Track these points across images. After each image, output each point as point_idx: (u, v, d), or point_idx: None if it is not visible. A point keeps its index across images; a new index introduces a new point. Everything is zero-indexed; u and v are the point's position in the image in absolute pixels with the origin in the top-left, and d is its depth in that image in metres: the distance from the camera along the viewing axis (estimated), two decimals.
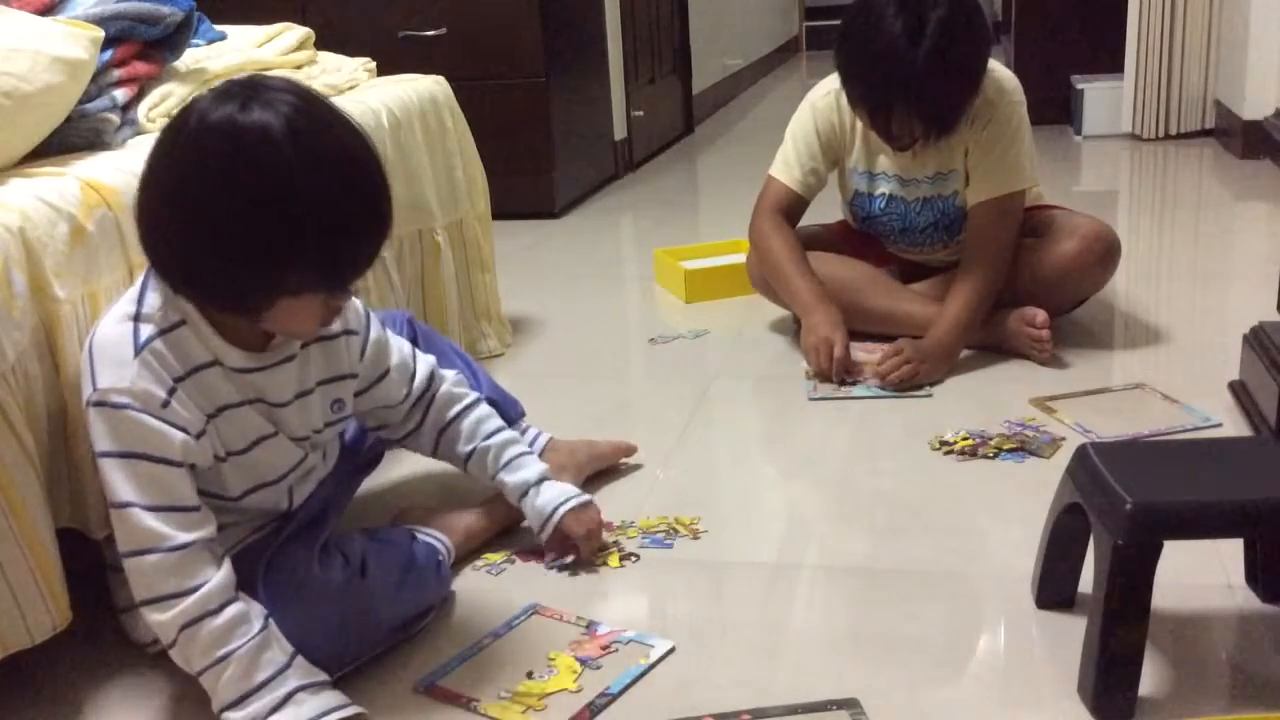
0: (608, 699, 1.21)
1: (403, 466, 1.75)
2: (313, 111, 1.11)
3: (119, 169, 1.41)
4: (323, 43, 2.22)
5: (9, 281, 1.20)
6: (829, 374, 2.01)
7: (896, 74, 1.86)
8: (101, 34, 1.52)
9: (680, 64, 4.86)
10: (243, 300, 1.16)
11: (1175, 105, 4.00)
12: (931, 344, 2.02)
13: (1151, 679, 1.18)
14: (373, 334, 1.39)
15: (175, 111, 1.19)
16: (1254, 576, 1.33)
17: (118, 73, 1.60)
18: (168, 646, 1.16)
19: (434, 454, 1.51)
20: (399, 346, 1.45)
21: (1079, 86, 4.25)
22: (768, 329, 2.37)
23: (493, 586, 1.46)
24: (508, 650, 1.31)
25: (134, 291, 1.20)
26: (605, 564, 1.48)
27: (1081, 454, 1.22)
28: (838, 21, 2.03)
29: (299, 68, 2.07)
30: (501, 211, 2.48)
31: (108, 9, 1.59)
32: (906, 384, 1.98)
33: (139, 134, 1.60)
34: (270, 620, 1.18)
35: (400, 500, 1.66)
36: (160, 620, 1.15)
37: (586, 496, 1.51)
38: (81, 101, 1.50)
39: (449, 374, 1.51)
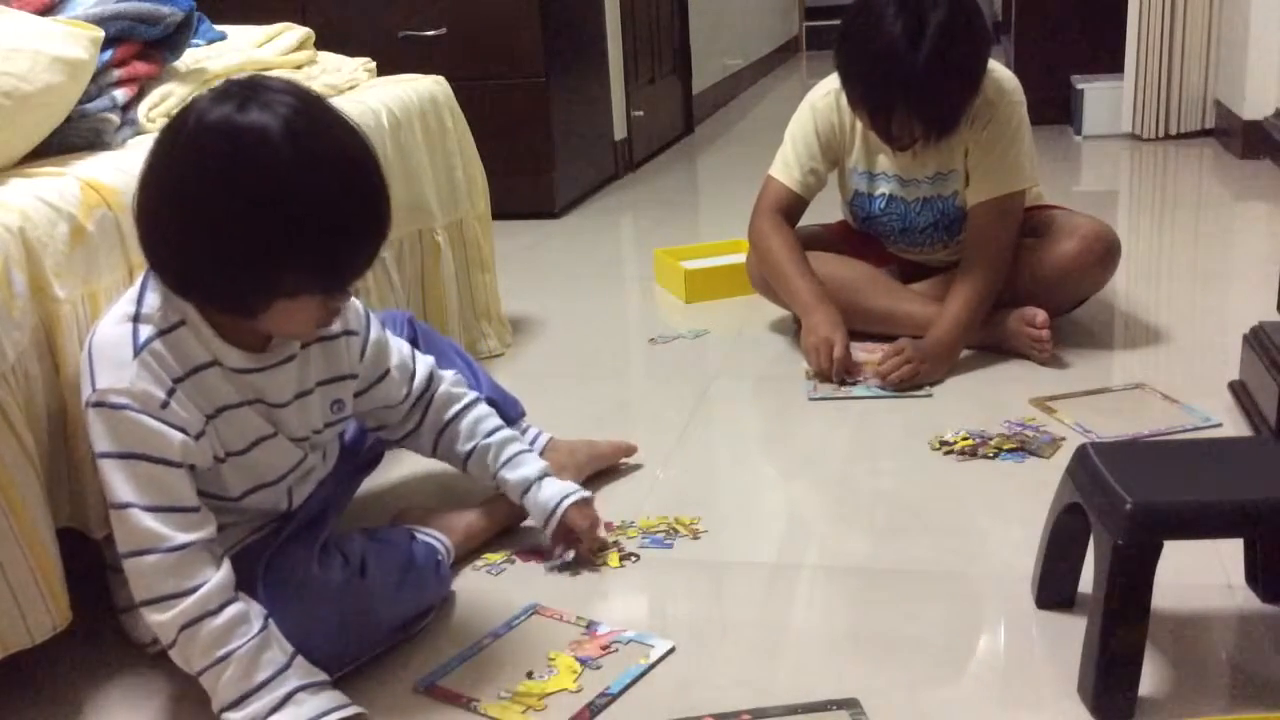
0: (608, 699, 1.21)
1: (402, 467, 1.75)
2: (311, 113, 1.11)
3: (119, 169, 1.41)
4: (323, 43, 2.22)
5: (9, 281, 1.20)
6: (829, 374, 2.01)
7: (896, 75, 1.86)
8: (101, 34, 1.52)
9: (680, 64, 4.86)
10: (240, 301, 1.16)
11: (1175, 105, 4.00)
12: (932, 344, 2.02)
13: (1151, 679, 1.18)
14: (373, 334, 1.39)
15: (175, 111, 1.18)
16: (1254, 576, 1.33)
17: (118, 73, 1.60)
18: (167, 647, 1.16)
19: (433, 454, 1.51)
20: (399, 347, 1.45)
21: (1079, 86, 4.25)
22: (768, 329, 2.37)
23: (493, 586, 1.46)
24: (508, 650, 1.31)
25: (133, 292, 1.20)
26: (605, 564, 1.48)
27: (1081, 454, 1.22)
28: (838, 21, 2.03)
29: (299, 68, 2.07)
30: (501, 211, 2.48)
31: (108, 9, 1.59)
32: (907, 384, 1.98)
33: (139, 134, 1.60)
34: (270, 620, 1.18)
35: (400, 500, 1.66)
36: (160, 621, 1.15)
37: (587, 493, 1.51)
38: (81, 101, 1.50)
39: (448, 374, 1.51)
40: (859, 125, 2.10)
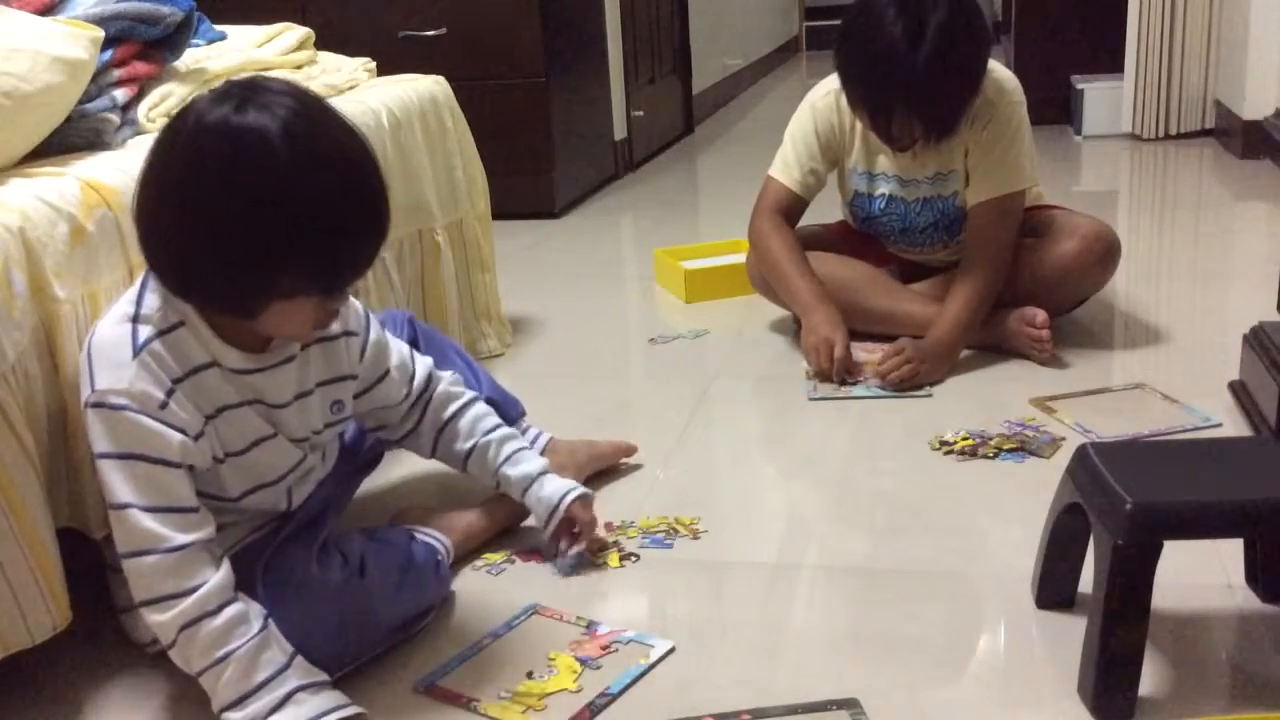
0: (608, 699, 1.21)
1: (402, 467, 1.74)
2: (310, 114, 1.11)
3: (119, 169, 1.41)
4: (323, 43, 2.22)
5: (9, 281, 1.20)
6: (830, 374, 2.01)
7: (896, 76, 1.86)
8: (101, 34, 1.52)
9: (680, 64, 4.86)
10: (239, 302, 1.16)
11: (1175, 105, 4.00)
12: (932, 344, 2.02)
13: (1151, 679, 1.18)
14: (372, 335, 1.39)
15: (175, 111, 1.18)
16: (1254, 576, 1.33)
17: (118, 73, 1.60)
18: (167, 647, 1.16)
19: (432, 454, 1.51)
20: (398, 348, 1.45)
21: (1079, 86, 4.25)
22: (768, 329, 2.37)
23: (493, 586, 1.46)
24: (508, 650, 1.31)
25: (133, 292, 1.20)
26: (605, 564, 1.48)
27: (1081, 454, 1.22)
28: (838, 21, 2.03)
29: (299, 68, 2.07)
30: (501, 211, 2.48)
31: (108, 9, 1.59)
32: (907, 384, 1.98)
33: (139, 134, 1.60)
34: (270, 620, 1.18)
35: (400, 500, 1.66)
36: (159, 621, 1.15)
37: (588, 490, 1.51)
38: (81, 101, 1.50)
39: (446, 374, 1.51)
40: (859, 125, 2.10)
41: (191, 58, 1.82)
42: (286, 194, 1.08)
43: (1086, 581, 1.24)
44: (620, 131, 4.07)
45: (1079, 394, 1.91)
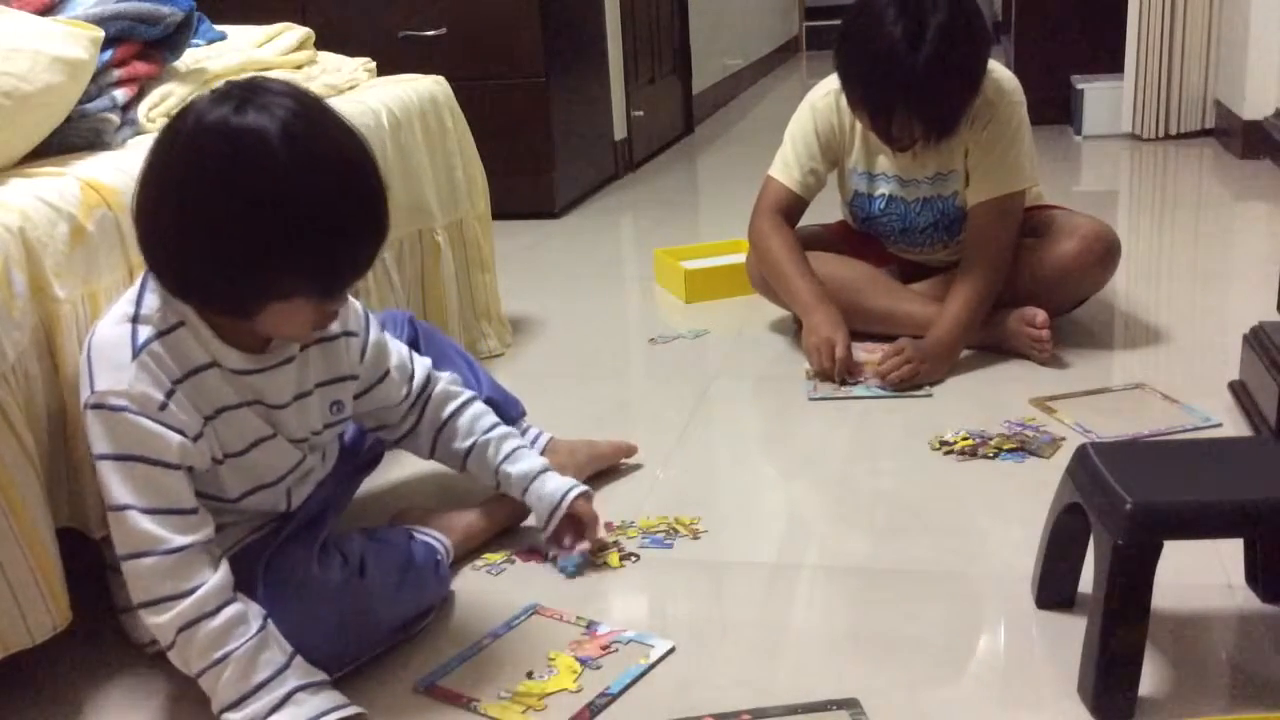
0: (608, 699, 1.21)
1: (402, 467, 1.74)
2: (310, 115, 1.11)
3: (119, 169, 1.41)
4: (323, 43, 2.22)
5: (9, 281, 1.20)
6: (831, 374, 2.01)
7: (897, 76, 1.86)
8: (101, 34, 1.52)
9: (680, 64, 4.86)
10: (237, 303, 1.16)
11: (1175, 105, 4.00)
12: (932, 344, 2.02)
13: (1151, 679, 1.18)
14: (372, 336, 1.39)
15: (175, 111, 1.18)
16: (1254, 576, 1.33)
17: (118, 73, 1.60)
18: (166, 649, 1.16)
19: (431, 454, 1.51)
20: (398, 349, 1.45)
21: (1079, 86, 4.25)
22: (768, 329, 2.37)
23: (493, 586, 1.46)
24: (508, 650, 1.31)
25: (132, 293, 1.20)
26: (605, 564, 1.48)
27: (1081, 454, 1.22)
28: (838, 21, 2.03)
29: (299, 68, 2.07)
30: (501, 211, 2.48)
31: (108, 9, 1.59)
32: (907, 384, 1.98)
33: (139, 134, 1.60)
34: (269, 621, 1.18)
35: (399, 501, 1.66)
36: (158, 623, 1.15)
37: (588, 488, 1.51)
38: (81, 101, 1.50)
39: (445, 374, 1.52)
40: (859, 126, 2.10)
41: (191, 58, 1.82)
42: (285, 195, 1.08)
43: (1086, 581, 1.24)
44: (620, 131, 4.07)
45: (1079, 394, 1.91)
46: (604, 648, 1.30)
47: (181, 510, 1.16)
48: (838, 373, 2.00)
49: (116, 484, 1.14)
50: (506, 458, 1.49)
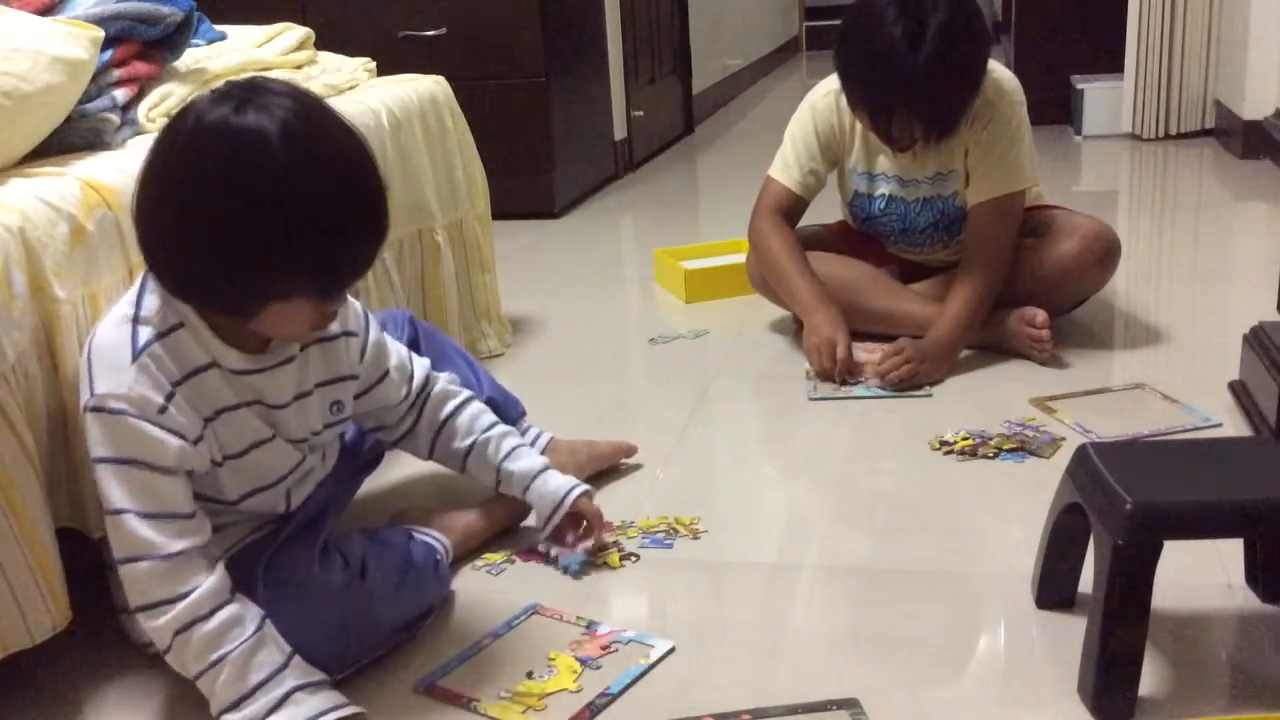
0: (608, 699, 1.21)
1: (402, 468, 1.74)
2: (309, 115, 1.11)
3: (119, 169, 1.41)
4: (323, 43, 2.22)
5: (9, 281, 1.20)
6: (832, 374, 2.01)
7: (897, 76, 1.86)
8: (101, 34, 1.52)
9: (680, 64, 4.86)
10: (237, 302, 1.15)
11: (1175, 105, 4.00)
12: (932, 344, 2.02)
13: (1151, 679, 1.18)
14: (372, 335, 1.39)
15: (175, 111, 1.18)
16: (1254, 576, 1.33)
17: (118, 73, 1.60)
18: (164, 652, 1.16)
19: (430, 455, 1.51)
20: (397, 349, 1.45)
21: (1079, 86, 4.25)
22: (768, 329, 2.37)
23: (493, 586, 1.46)
24: (508, 650, 1.31)
25: (132, 294, 1.20)
26: (605, 564, 1.48)
27: (1081, 454, 1.22)
28: (838, 21, 2.03)
29: (299, 68, 2.07)
30: (501, 211, 2.48)
31: (108, 9, 1.59)
32: (906, 384, 1.98)
33: (139, 134, 1.60)
34: (267, 622, 1.18)
35: (399, 501, 1.66)
36: (154, 626, 1.15)
37: (590, 487, 1.52)
38: (81, 101, 1.50)
39: (444, 374, 1.52)
40: (859, 126, 2.10)
41: (191, 58, 1.82)
42: (285, 195, 1.08)
43: (1086, 581, 1.24)
44: (620, 131, 4.07)
45: (1079, 394, 1.91)
46: (604, 648, 1.30)
47: (178, 515, 1.16)
48: (838, 373, 2.00)
49: (114, 488, 1.14)
50: (507, 456, 1.48)
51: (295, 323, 1.19)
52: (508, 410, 1.65)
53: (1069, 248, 2.07)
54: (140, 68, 1.64)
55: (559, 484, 1.48)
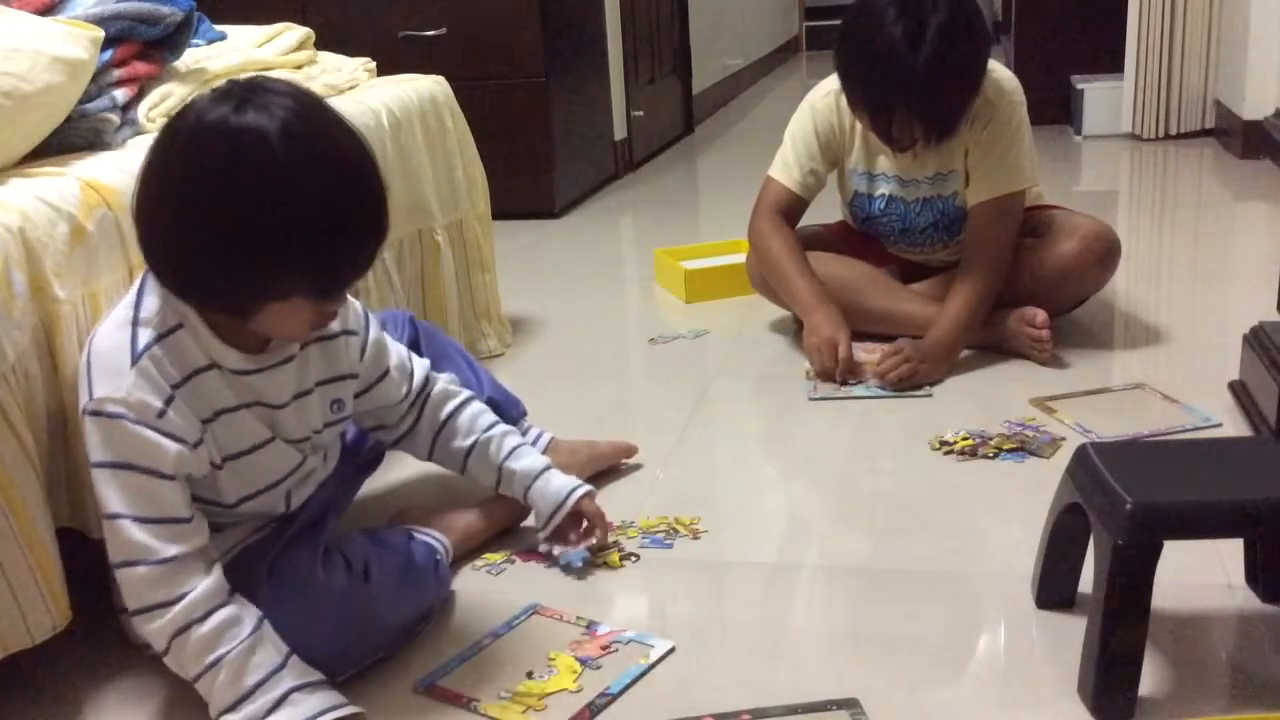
0: (608, 699, 1.21)
1: (402, 468, 1.74)
2: (309, 115, 1.11)
3: (119, 169, 1.41)
4: (323, 43, 2.22)
5: (9, 281, 1.20)
6: (834, 373, 2.01)
7: (897, 77, 1.86)
8: (101, 34, 1.52)
9: (680, 64, 4.86)
10: (236, 302, 1.15)
11: (1175, 105, 4.00)
12: (931, 344, 2.02)
13: (1151, 679, 1.18)
14: (372, 334, 1.39)
15: (175, 111, 1.18)
16: (1254, 576, 1.33)
17: (118, 73, 1.60)
18: (162, 655, 1.17)
19: (430, 455, 1.51)
20: (397, 348, 1.45)
21: (1079, 86, 4.25)
22: (768, 329, 2.37)
23: (493, 586, 1.46)
24: (508, 650, 1.31)
25: (131, 295, 1.19)
26: (605, 564, 1.48)
27: (1081, 454, 1.22)
28: (838, 21, 2.03)
29: (299, 68, 2.07)
30: (501, 211, 2.48)
31: (108, 9, 1.59)
32: (906, 383, 1.98)
33: (139, 134, 1.60)
34: (265, 622, 1.18)
35: (400, 501, 1.66)
36: (151, 629, 1.15)
37: (592, 487, 1.52)
38: (81, 101, 1.50)
39: (444, 375, 1.52)
40: (859, 126, 2.10)
41: (191, 58, 1.82)
42: (285, 194, 1.08)
43: (1086, 581, 1.24)
44: (620, 131, 4.07)
45: (1079, 394, 1.91)
46: (604, 648, 1.30)
47: (175, 519, 1.16)
48: (840, 372, 2.00)
49: (110, 492, 1.14)
50: (509, 455, 1.48)
51: (295, 322, 1.19)
52: (508, 410, 1.65)
53: (1069, 248, 2.07)
54: (140, 68, 1.64)
55: (561, 484, 1.48)
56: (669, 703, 1.20)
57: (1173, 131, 4.02)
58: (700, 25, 5.05)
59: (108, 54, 1.57)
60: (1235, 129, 3.68)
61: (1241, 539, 1.33)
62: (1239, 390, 1.82)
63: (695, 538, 1.55)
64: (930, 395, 1.97)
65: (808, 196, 2.19)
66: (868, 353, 2.08)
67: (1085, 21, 4.38)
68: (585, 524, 1.49)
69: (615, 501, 1.64)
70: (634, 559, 1.50)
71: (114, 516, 1.14)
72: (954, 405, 1.92)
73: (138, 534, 1.14)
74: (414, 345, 1.55)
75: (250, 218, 1.08)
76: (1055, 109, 4.36)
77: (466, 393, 1.52)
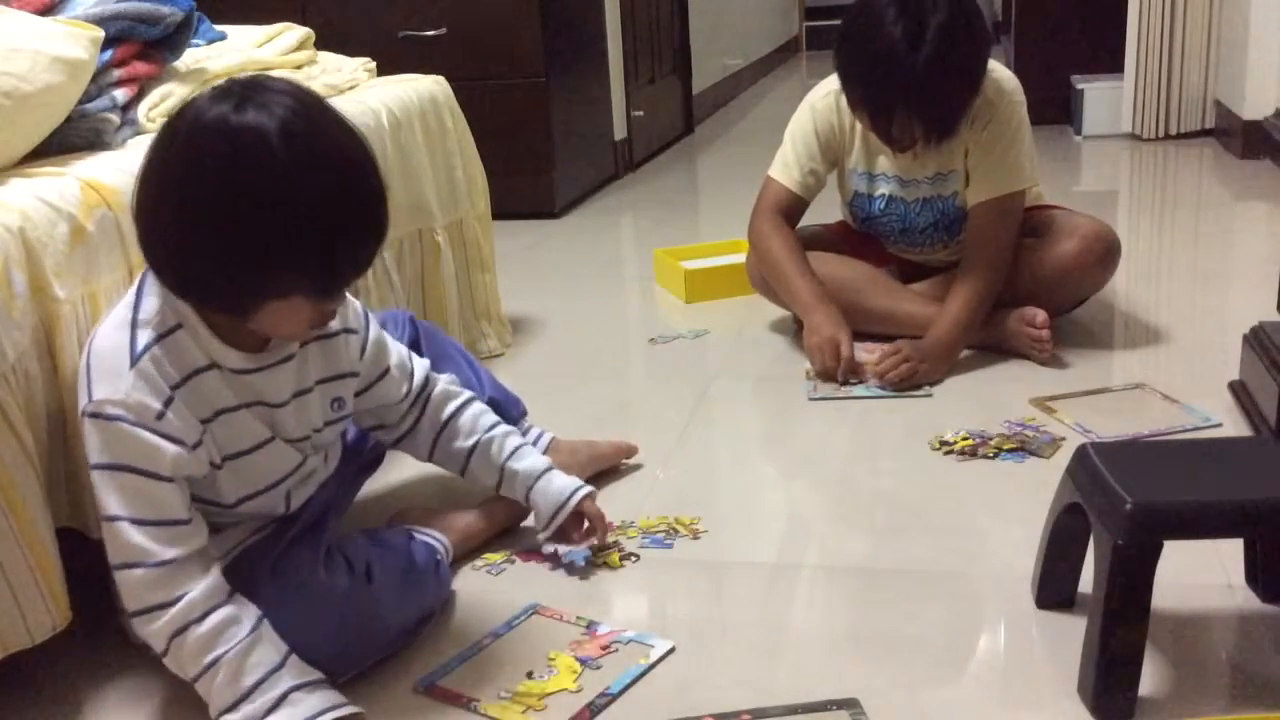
0: (608, 699, 1.21)
1: (403, 469, 1.74)
2: (309, 113, 1.11)
3: (119, 169, 1.41)
4: (323, 43, 2.22)
5: (9, 281, 1.20)
6: (834, 373, 2.01)
7: (897, 77, 1.86)
8: (101, 34, 1.52)
9: (680, 64, 4.86)
10: (235, 300, 1.15)
11: (1175, 105, 4.00)
12: (931, 344, 2.02)
13: (1151, 679, 1.18)
14: (372, 333, 1.39)
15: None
16: (1254, 576, 1.33)
17: (118, 73, 1.60)
18: (161, 656, 1.17)
19: (430, 456, 1.51)
20: (397, 348, 1.45)
21: (1079, 86, 4.25)
22: (768, 329, 2.37)
23: (493, 586, 1.46)
24: (508, 650, 1.31)
25: (130, 296, 1.19)
26: (605, 564, 1.48)
27: (1081, 454, 1.22)
28: (838, 21, 2.03)
29: (299, 68, 2.07)
30: (501, 211, 2.48)
31: (108, 9, 1.59)
32: (906, 383, 1.98)
33: (139, 134, 1.60)
34: (264, 622, 1.18)
35: (400, 502, 1.66)
36: (150, 631, 1.15)
37: (593, 488, 1.52)
38: (81, 101, 1.50)
39: (444, 375, 1.52)
40: (859, 126, 2.10)
41: (191, 58, 1.82)
42: (285, 193, 1.08)
43: (1086, 581, 1.24)
44: (620, 131, 4.07)
45: (1079, 394, 1.91)
46: (604, 648, 1.30)
47: (173, 521, 1.16)
48: (842, 372, 2.00)
49: (109, 494, 1.14)
50: (511, 455, 1.48)
51: (294, 321, 1.18)
52: (509, 410, 1.65)
53: (1069, 248, 2.07)
54: (140, 68, 1.64)
55: (563, 484, 1.48)
56: (669, 703, 1.20)
57: (1173, 131, 4.02)
58: (700, 25, 5.05)
59: (108, 54, 1.57)
60: (1235, 129, 3.68)
61: (1241, 539, 1.33)
62: (1239, 390, 1.82)
63: (695, 538, 1.55)
64: (930, 395, 1.97)
65: (808, 197, 2.19)
66: (868, 353, 2.07)
67: (1085, 21, 4.38)
68: (586, 524, 1.49)
69: (615, 501, 1.64)
70: (634, 559, 1.50)
71: (113, 519, 1.14)
72: (954, 405, 1.92)
73: (136, 536, 1.14)
74: (414, 345, 1.55)
75: (250, 216, 1.08)
76: (1055, 109, 4.36)
77: (467, 393, 1.52)
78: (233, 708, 1.14)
